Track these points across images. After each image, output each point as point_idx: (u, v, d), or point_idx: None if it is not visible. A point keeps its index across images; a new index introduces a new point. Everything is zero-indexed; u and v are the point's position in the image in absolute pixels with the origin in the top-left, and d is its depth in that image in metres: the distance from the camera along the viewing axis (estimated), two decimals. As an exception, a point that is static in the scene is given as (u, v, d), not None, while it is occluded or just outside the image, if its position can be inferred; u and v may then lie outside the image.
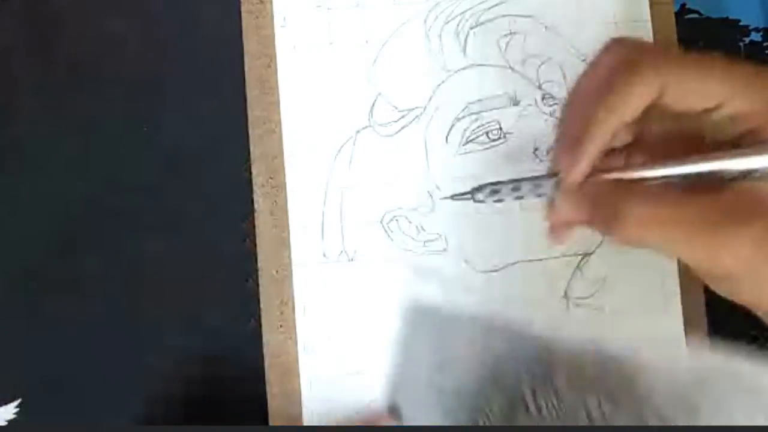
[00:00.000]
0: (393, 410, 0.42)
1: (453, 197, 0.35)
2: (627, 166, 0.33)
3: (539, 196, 0.34)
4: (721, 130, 0.31)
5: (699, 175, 0.31)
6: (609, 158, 0.34)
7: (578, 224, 0.33)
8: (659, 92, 0.31)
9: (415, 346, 0.43)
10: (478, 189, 0.34)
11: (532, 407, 0.41)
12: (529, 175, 0.34)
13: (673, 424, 0.41)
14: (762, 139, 0.30)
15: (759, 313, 0.33)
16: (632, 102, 0.31)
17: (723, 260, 0.30)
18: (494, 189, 0.34)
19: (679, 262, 0.44)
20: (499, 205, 0.35)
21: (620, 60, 0.31)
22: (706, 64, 0.31)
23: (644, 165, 0.32)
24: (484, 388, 0.42)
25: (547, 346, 0.42)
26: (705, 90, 0.31)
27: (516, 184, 0.34)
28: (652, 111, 0.31)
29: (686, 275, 0.44)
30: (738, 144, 0.31)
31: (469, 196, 0.35)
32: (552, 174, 0.33)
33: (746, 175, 0.31)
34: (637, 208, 0.31)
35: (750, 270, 0.30)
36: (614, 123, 0.31)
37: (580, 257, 0.44)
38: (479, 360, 0.42)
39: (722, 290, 0.33)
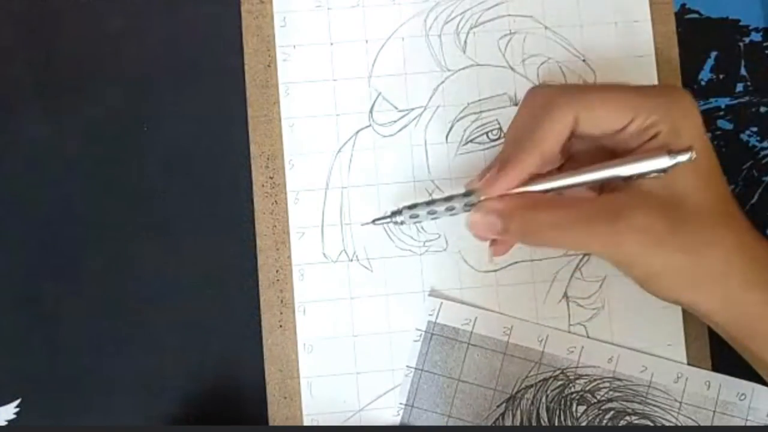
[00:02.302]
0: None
1: (374, 221, 0.40)
2: (535, 180, 0.37)
3: (451, 214, 0.38)
4: (634, 141, 0.37)
5: (597, 181, 0.37)
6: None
7: (495, 237, 0.38)
8: (573, 124, 0.37)
9: (430, 368, 0.43)
10: (398, 212, 0.39)
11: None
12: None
13: None
14: (643, 149, 0.37)
15: (691, 310, 0.38)
16: (551, 136, 0.37)
17: (618, 249, 0.36)
18: (412, 213, 0.38)
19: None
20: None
21: (540, 103, 0.38)
22: (610, 94, 0.37)
23: (544, 179, 0.37)
24: (499, 410, 0.42)
25: (563, 368, 0.43)
26: (611, 116, 0.37)
27: (431, 206, 0.38)
28: (575, 138, 0.38)
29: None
30: (646, 148, 0.37)
31: (388, 219, 0.39)
32: (464, 194, 0.38)
33: (636, 177, 0.36)
34: (541, 218, 0.36)
35: (641, 257, 0.36)
36: (536, 156, 0.37)
37: (580, 257, 0.44)
38: (495, 383, 0.43)
39: (651, 290, 0.38)
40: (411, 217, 0.39)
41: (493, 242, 0.40)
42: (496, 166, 0.38)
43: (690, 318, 0.43)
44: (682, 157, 0.36)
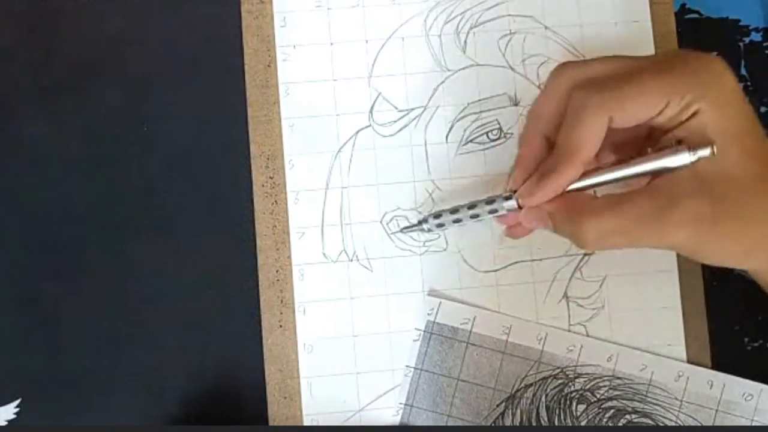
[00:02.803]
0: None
1: (403, 230, 0.43)
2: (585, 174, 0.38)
3: (475, 219, 0.40)
4: (672, 122, 0.37)
5: (648, 172, 0.37)
6: None
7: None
8: (608, 123, 0.37)
9: (430, 368, 0.43)
10: (424, 220, 0.42)
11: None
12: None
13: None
14: (675, 144, 0.37)
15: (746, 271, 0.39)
16: (590, 142, 0.37)
17: (668, 244, 0.36)
18: (438, 221, 0.41)
19: (679, 262, 0.44)
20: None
21: (572, 107, 0.37)
22: (639, 84, 0.37)
23: (585, 175, 0.38)
24: (499, 409, 0.42)
25: (563, 367, 0.43)
26: (644, 107, 0.36)
27: (455, 212, 0.40)
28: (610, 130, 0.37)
29: (686, 275, 0.44)
30: (686, 125, 0.37)
31: (416, 227, 0.43)
32: (489, 200, 0.39)
33: (669, 170, 0.37)
34: (590, 227, 0.36)
35: (692, 247, 0.36)
36: (579, 163, 0.37)
37: (580, 257, 0.44)
38: (495, 382, 0.43)
39: (702, 262, 0.39)
40: (438, 225, 0.41)
41: (514, 226, 0.40)
42: (535, 176, 0.38)
43: (690, 318, 0.43)
44: (703, 152, 0.36)
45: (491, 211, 0.39)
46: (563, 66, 0.39)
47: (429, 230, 0.42)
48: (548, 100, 0.39)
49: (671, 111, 0.36)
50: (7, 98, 0.44)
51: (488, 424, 0.42)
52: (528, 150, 0.39)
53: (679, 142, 0.36)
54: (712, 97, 0.36)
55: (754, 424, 0.42)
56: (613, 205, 0.37)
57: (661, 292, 0.44)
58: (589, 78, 0.38)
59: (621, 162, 0.38)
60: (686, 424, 0.42)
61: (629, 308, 0.44)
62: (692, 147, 0.36)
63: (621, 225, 0.36)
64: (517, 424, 0.42)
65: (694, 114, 0.36)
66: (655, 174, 0.37)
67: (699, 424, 0.42)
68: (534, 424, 0.42)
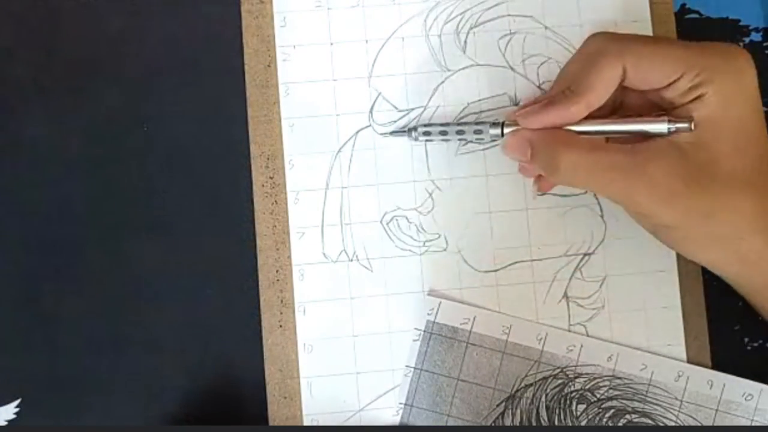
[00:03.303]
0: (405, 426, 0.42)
1: (392, 133, 0.44)
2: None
3: (460, 135, 0.42)
4: (680, 99, 0.38)
5: (628, 132, 0.39)
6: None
7: (522, 162, 0.41)
8: (622, 75, 0.38)
9: (430, 368, 0.43)
10: (414, 128, 0.43)
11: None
12: None
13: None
14: (686, 109, 0.38)
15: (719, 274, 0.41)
16: (599, 85, 0.38)
17: (636, 198, 0.37)
18: (426, 129, 0.42)
19: (679, 262, 0.44)
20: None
21: (592, 50, 0.39)
22: (662, 47, 0.38)
23: (580, 122, 0.39)
24: (499, 409, 0.42)
25: (563, 367, 0.43)
26: (659, 71, 0.38)
27: (444, 126, 0.42)
28: (625, 88, 0.39)
29: (686, 275, 0.44)
30: (692, 108, 0.38)
31: (407, 132, 0.43)
32: (477, 122, 0.42)
33: (663, 135, 0.38)
34: (568, 155, 0.38)
35: (652, 211, 0.37)
36: (584, 102, 0.38)
37: (580, 257, 0.44)
38: (495, 382, 0.43)
39: (664, 242, 0.40)
40: (424, 134, 0.43)
41: (539, 177, 0.42)
42: (541, 102, 0.39)
43: (690, 318, 0.43)
44: (681, 124, 0.38)
45: (476, 132, 0.41)
46: (596, 33, 0.41)
47: (416, 138, 0.43)
48: (576, 60, 0.41)
49: (683, 84, 0.37)
50: (7, 98, 0.44)
51: (488, 424, 0.42)
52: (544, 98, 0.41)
53: (663, 114, 0.39)
54: (722, 84, 0.37)
55: (754, 424, 0.42)
56: (592, 146, 0.38)
57: (661, 292, 0.44)
58: (617, 34, 0.40)
59: (607, 119, 0.40)
60: (686, 424, 0.42)
61: (629, 308, 0.44)
62: (672, 119, 0.38)
63: (594, 164, 0.38)
64: (517, 424, 0.42)
65: (698, 97, 0.37)
66: (641, 139, 0.39)
67: (699, 424, 0.42)
68: (534, 424, 0.42)
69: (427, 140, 0.43)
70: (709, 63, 0.37)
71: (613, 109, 0.41)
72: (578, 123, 0.39)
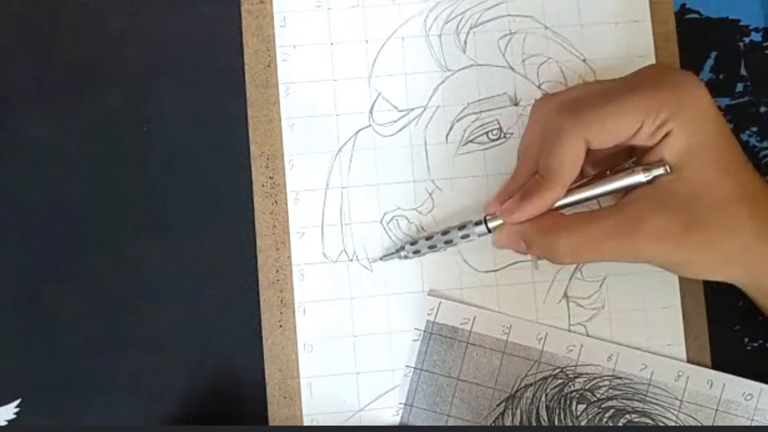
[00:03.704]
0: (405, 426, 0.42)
1: (382, 258, 0.43)
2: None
3: (448, 244, 0.42)
4: (649, 140, 0.38)
5: (609, 193, 0.39)
6: None
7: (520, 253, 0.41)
8: (585, 145, 0.38)
9: (429, 368, 0.43)
10: (401, 248, 0.42)
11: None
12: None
13: None
14: (631, 165, 0.39)
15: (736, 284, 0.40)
16: (568, 166, 0.38)
17: (638, 257, 0.38)
18: (414, 248, 0.42)
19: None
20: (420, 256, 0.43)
21: (550, 128, 0.39)
22: (615, 106, 0.37)
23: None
24: (499, 409, 0.42)
25: (563, 367, 0.43)
26: (619, 128, 0.37)
27: (430, 239, 0.42)
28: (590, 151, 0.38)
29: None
30: (663, 145, 0.38)
31: (396, 254, 0.43)
32: (477, 222, 0.41)
33: (630, 188, 0.38)
34: (564, 240, 0.38)
35: (661, 260, 0.38)
36: (559, 187, 0.38)
37: (580, 257, 0.44)
38: (495, 382, 0.43)
39: (681, 275, 0.42)
40: (414, 252, 0.42)
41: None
42: (518, 195, 0.40)
43: (690, 318, 0.43)
44: (657, 171, 0.38)
45: (463, 236, 0.41)
46: (542, 97, 0.42)
47: (405, 257, 0.43)
48: (532, 131, 0.41)
49: (647, 129, 0.37)
50: (7, 98, 0.44)
51: (488, 424, 0.42)
52: (515, 182, 0.41)
53: (635, 162, 0.39)
54: (685, 114, 0.37)
55: (753, 423, 0.42)
56: (583, 222, 0.38)
57: (661, 292, 0.44)
58: (565, 102, 0.39)
59: (584, 184, 0.40)
60: (686, 424, 0.42)
61: (629, 308, 0.44)
62: (647, 168, 0.38)
63: (591, 240, 0.38)
64: (517, 424, 0.42)
65: (667, 134, 0.37)
66: (623, 192, 0.39)
67: (699, 424, 0.42)
68: (534, 424, 0.42)
69: (416, 256, 0.43)
70: (666, 100, 0.37)
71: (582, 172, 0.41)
72: (572, 193, 0.39)
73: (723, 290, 0.41)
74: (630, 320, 0.43)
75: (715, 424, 0.42)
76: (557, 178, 0.38)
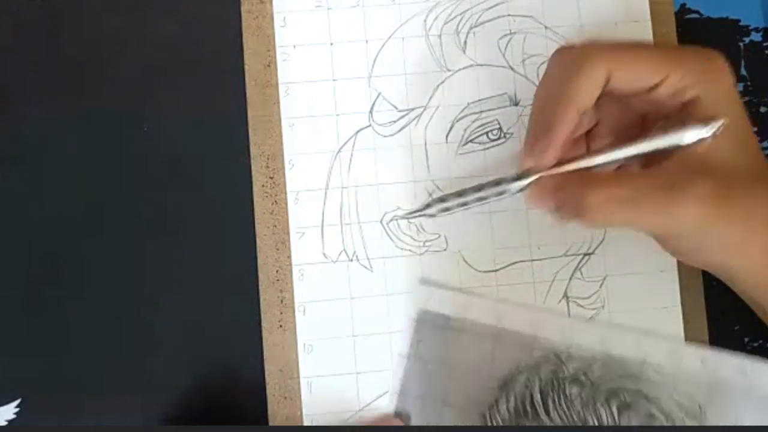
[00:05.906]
0: (400, 414, 0.42)
1: (406, 216, 0.42)
2: (586, 155, 0.38)
3: (481, 201, 0.40)
4: (666, 106, 0.37)
5: (644, 154, 0.37)
6: (572, 149, 0.39)
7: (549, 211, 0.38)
8: (607, 77, 0.36)
9: (423, 356, 0.43)
10: (429, 205, 0.41)
11: (541, 412, 0.42)
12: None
13: (679, 424, 0.41)
14: (690, 118, 0.36)
15: (714, 272, 0.40)
16: (586, 90, 0.36)
17: (675, 221, 0.35)
18: (444, 205, 0.40)
19: (679, 262, 0.43)
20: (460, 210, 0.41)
21: (570, 58, 0.37)
22: (643, 50, 0.37)
23: (595, 153, 0.38)
24: (493, 395, 0.42)
25: (556, 351, 0.43)
26: (645, 71, 0.36)
27: (479, 191, 0.39)
28: (605, 99, 0.37)
29: (686, 275, 0.44)
30: (682, 114, 0.37)
31: (423, 211, 0.41)
32: (497, 181, 0.39)
33: (680, 147, 0.36)
34: (595, 195, 0.35)
35: (698, 227, 0.36)
36: (573, 112, 0.37)
37: (580, 257, 0.44)
38: (488, 368, 0.43)
39: (669, 248, 0.39)
40: (443, 210, 0.40)
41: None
42: (532, 139, 0.38)
43: (690, 318, 0.43)
44: (716, 124, 0.36)
45: (499, 193, 0.39)
46: (563, 46, 0.39)
47: (433, 215, 0.41)
48: (552, 74, 0.39)
49: (671, 83, 0.36)
50: (7, 98, 0.44)
51: (482, 410, 0.42)
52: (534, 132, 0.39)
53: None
54: (709, 86, 0.37)
55: (748, 398, 0.41)
56: (617, 179, 0.37)
57: (661, 292, 0.44)
58: (592, 41, 0.39)
59: (630, 141, 0.37)
60: (681, 402, 0.42)
61: (629, 308, 0.44)
62: (705, 120, 0.36)
63: (628, 198, 0.35)
64: (512, 409, 0.42)
65: (690, 100, 0.37)
66: (662, 155, 0.37)
67: (695, 402, 0.42)
68: (528, 408, 0.42)
69: (445, 214, 0.41)
70: (692, 67, 0.37)
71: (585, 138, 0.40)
72: (597, 154, 0.38)
73: (723, 290, 0.41)
74: (630, 320, 0.43)
75: (710, 402, 0.42)
76: (572, 99, 0.36)
